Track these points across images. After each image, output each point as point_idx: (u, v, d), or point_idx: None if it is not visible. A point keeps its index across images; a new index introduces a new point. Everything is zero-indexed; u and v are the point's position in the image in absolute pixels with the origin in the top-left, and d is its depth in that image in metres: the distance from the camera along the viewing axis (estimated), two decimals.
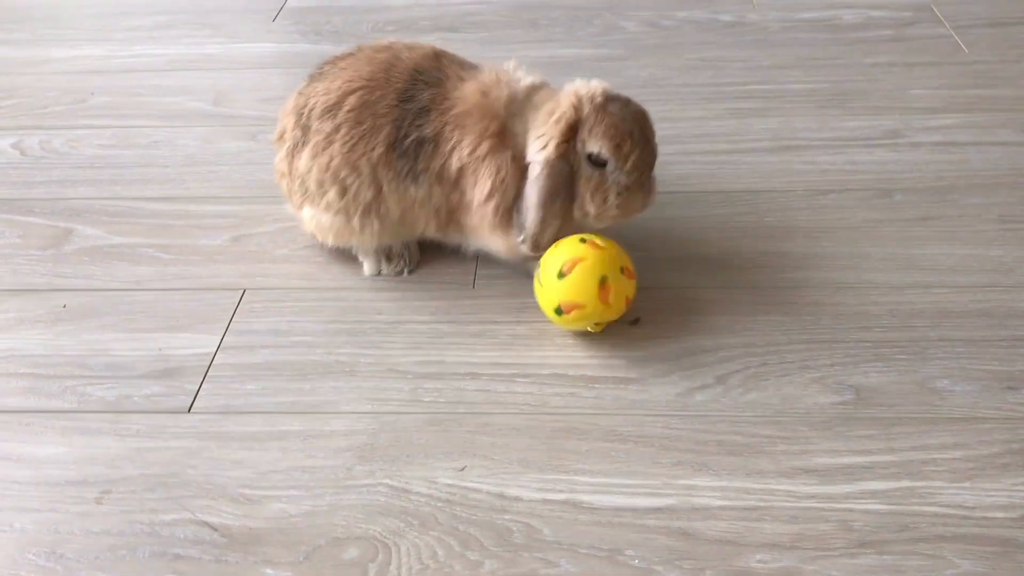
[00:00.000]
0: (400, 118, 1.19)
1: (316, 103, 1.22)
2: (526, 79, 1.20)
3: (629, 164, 1.13)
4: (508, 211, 1.17)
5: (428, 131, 1.18)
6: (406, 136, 1.19)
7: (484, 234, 1.22)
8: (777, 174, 1.48)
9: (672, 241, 1.34)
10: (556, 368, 1.14)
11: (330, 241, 1.28)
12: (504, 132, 1.16)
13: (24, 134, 1.69)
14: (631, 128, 1.13)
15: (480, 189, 1.17)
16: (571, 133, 1.13)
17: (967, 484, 0.98)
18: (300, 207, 1.28)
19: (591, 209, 1.16)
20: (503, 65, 1.22)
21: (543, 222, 1.14)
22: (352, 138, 1.20)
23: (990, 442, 1.02)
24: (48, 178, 1.56)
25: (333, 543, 0.95)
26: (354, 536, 0.95)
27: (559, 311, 1.12)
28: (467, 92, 1.18)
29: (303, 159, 1.23)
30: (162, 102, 1.77)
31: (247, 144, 1.63)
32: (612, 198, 1.15)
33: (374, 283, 1.30)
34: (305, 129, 1.23)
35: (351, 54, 1.27)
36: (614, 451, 1.03)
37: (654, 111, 1.18)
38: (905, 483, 0.98)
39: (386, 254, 1.30)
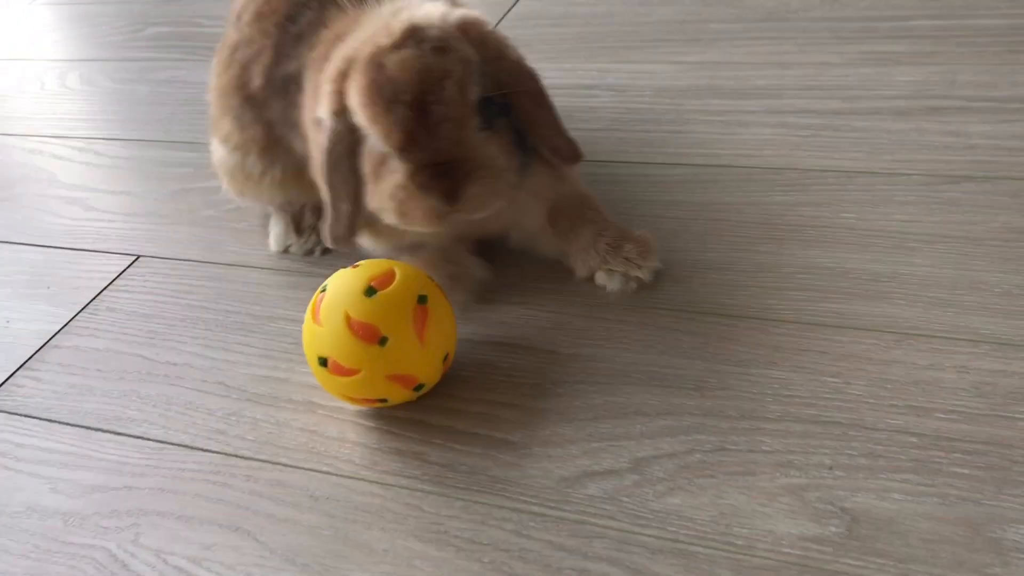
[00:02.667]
0: (280, 43, 0.88)
1: (236, 5, 0.95)
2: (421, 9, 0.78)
3: (394, 150, 0.73)
4: None
5: (294, 67, 0.86)
6: (280, 68, 0.88)
7: None
8: (894, 148, 0.99)
9: (682, 238, 0.92)
10: (424, 411, 0.78)
11: (226, 187, 1.01)
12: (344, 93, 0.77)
13: (69, 67, 1.56)
14: (395, 96, 0.71)
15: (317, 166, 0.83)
16: (343, 82, 0.75)
17: None
18: (210, 136, 1.01)
19: (372, 198, 0.78)
20: None
21: (330, 206, 0.81)
22: (243, 59, 0.92)
23: None
24: (55, 113, 1.41)
25: None
26: None
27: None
28: (331, 31, 0.83)
29: (213, 72, 0.97)
30: (209, 33, 1.57)
31: None
32: (387, 193, 0.75)
33: (278, 262, 1.00)
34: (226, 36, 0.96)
35: None
36: (419, 560, 0.67)
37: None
38: None
39: (296, 225, 0.99)
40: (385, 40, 0.73)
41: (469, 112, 0.73)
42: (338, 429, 0.78)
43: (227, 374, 0.86)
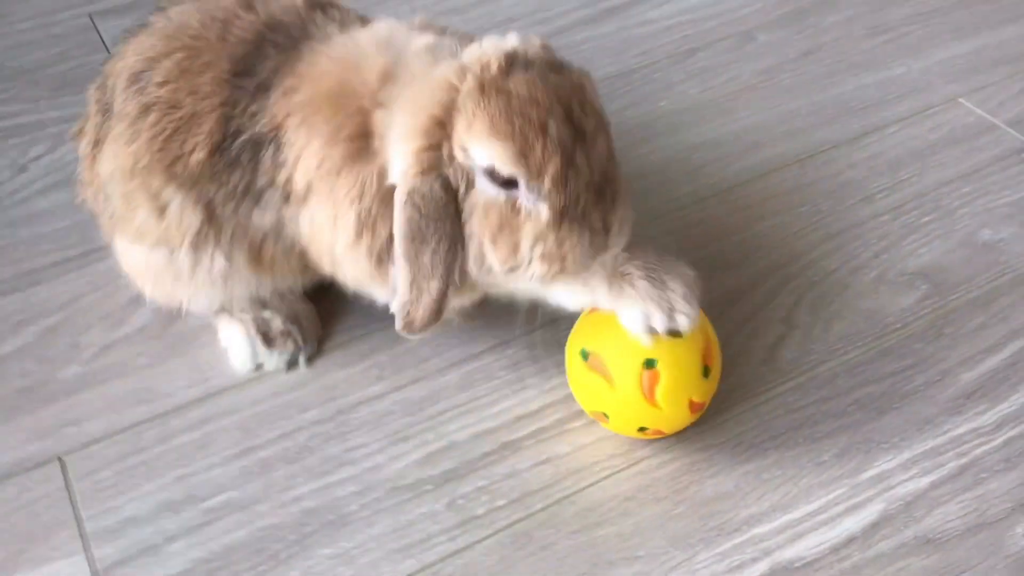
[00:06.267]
0: (231, 102, 0.74)
1: (123, 70, 0.77)
2: (422, 39, 0.73)
3: (548, 181, 0.66)
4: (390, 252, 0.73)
5: (264, 124, 0.73)
6: (238, 133, 0.74)
7: (370, 288, 0.78)
8: (616, 45, 1.21)
9: None
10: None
11: (149, 293, 0.83)
12: (368, 133, 0.71)
13: None
14: (545, 117, 0.65)
15: (341, 227, 0.73)
16: (440, 132, 0.68)
17: None
18: (111, 236, 0.83)
19: (495, 263, 0.69)
20: (410, 22, 0.77)
21: (411, 285, 0.70)
22: (165, 129, 0.75)
23: None
24: None
25: None
26: None
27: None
28: (323, 67, 0.73)
29: (104, 158, 0.78)
30: None
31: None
32: (527, 244, 0.68)
33: (266, 375, 0.85)
34: (106, 112, 0.78)
35: None
36: (764, 472, 0.77)
37: None
38: None
39: (263, 335, 0.85)
40: (495, 67, 0.67)
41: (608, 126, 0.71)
42: (567, 445, 0.79)
43: (387, 476, 0.77)
